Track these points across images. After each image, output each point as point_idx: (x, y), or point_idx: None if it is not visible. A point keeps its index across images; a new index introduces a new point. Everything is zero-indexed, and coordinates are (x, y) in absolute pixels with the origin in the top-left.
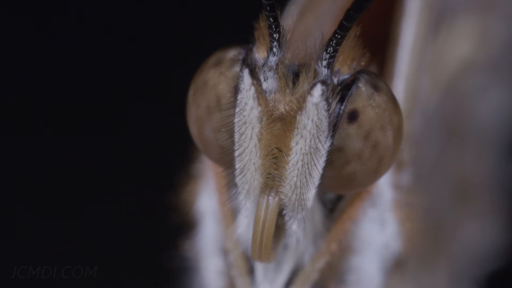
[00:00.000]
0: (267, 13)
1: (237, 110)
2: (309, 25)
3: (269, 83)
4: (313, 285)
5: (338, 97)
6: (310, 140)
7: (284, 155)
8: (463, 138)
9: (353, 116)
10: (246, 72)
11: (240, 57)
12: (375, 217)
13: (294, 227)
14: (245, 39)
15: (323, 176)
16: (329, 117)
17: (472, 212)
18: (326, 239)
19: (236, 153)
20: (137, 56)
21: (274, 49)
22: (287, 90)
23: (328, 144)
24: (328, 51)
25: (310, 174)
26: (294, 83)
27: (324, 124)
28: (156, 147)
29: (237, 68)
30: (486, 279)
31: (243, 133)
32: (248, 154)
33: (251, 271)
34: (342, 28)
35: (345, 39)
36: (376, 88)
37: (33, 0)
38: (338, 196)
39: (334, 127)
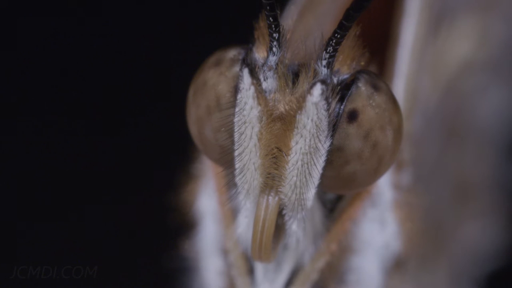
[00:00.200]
0: (267, 13)
1: (237, 109)
2: (309, 25)
3: (269, 82)
4: (313, 285)
5: (338, 97)
6: (310, 140)
7: (284, 154)
8: (463, 138)
9: (353, 116)
10: (246, 71)
11: (240, 57)
12: (375, 217)
13: (294, 227)
14: (245, 39)
15: (323, 176)
16: (329, 117)
17: (472, 212)
18: (326, 239)
19: (236, 153)
20: (137, 56)
21: (274, 49)
22: (287, 90)
23: (328, 143)
24: (328, 50)
25: (310, 174)
26: (294, 83)
27: (324, 124)
28: (156, 147)
29: (237, 68)
30: (486, 279)
31: (243, 132)
32: (248, 154)
33: (251, 271)
34: (342, 28)
35: (345, 38)
36: (376, 88)
37: (33, 0)
38: (338, 196)
39: (334, 127)
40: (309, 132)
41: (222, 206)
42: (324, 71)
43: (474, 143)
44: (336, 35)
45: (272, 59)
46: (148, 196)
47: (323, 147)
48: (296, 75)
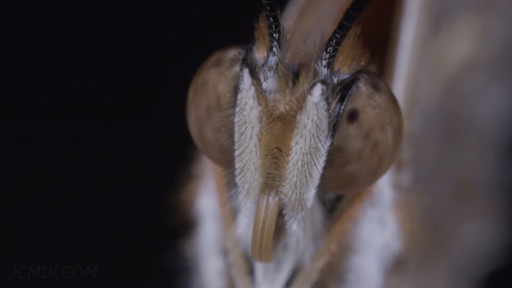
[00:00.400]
0: (267, 13)
1: (237, 109)
2: (309, 25)
3: (269, 82)
4: (313, 285)
5: (338, 97)
6: (310, 140)
7: (284, 154)
8: (463, 138)
9: (353, 116)
10: (246, 72)
11: (240, 57)
12: (375, 217)
13: (294, 227)
14: (245, 39)
15: (323, 176)
16: (329, 117)
17: (472, 212)
18: (326, 239)
19: (236, 153)
20: (137, 56)
21: (274, 49)
22: (287, 90)
23: (328, 143)
24: (328, 50)
25: (310, 174)
26: (294, 83)
27: (324, 124)
28: (156, 147)
29: (237, 68)
30: (486, 279)
31: (243, 132)
32: (248, 154)
33: (251, 271)
34: (342, 28)
35: (345, 38)
36: (376, 88)
37: (33, 0)
38: (338, 196)
39: (334, 127)
40: (309, 132)
41: (222, 206)
42: (324, 71)
43: (474, 143)
44: (336, 35)
45: (272, 59)
46: (148, 196)
47: (323, 147)
48: (296, 75)
